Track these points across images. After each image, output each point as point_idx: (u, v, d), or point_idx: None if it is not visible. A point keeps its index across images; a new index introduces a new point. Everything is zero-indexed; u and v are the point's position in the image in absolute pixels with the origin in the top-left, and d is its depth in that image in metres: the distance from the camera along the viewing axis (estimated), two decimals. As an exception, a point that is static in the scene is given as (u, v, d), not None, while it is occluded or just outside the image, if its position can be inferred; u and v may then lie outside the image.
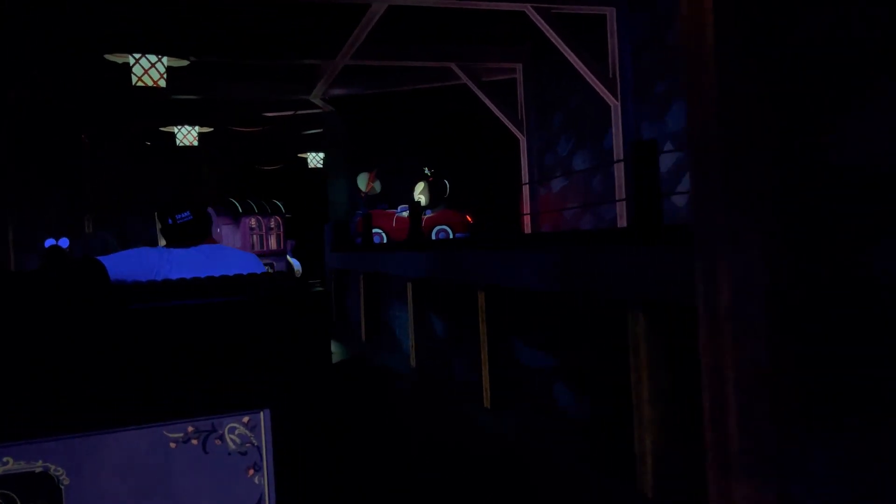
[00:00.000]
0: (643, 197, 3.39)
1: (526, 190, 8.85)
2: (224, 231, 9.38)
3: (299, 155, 13.88)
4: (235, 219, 9.82)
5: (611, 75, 6.89)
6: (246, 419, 1.40)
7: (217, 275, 1.63)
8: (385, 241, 9.85)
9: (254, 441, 1.41)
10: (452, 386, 5.36)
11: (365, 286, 7.88)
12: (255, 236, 9.87)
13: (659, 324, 2.53)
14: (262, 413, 1.41)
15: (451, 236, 9.61)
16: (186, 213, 2.44)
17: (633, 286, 2.52)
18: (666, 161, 6.54)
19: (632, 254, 2.52)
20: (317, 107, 10.44)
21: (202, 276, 1.60)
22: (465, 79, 8.68)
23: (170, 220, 2.44)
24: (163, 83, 6.73)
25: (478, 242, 4.60)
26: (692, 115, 0.88)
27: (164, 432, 1.35)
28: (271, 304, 1.52)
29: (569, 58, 6.90)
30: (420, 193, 10.39)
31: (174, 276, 2.04)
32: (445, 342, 5.79)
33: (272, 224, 10.15)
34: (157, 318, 1.42)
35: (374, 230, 9.71)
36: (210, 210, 2.58)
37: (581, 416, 3.37)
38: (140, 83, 6.65)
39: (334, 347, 7.96)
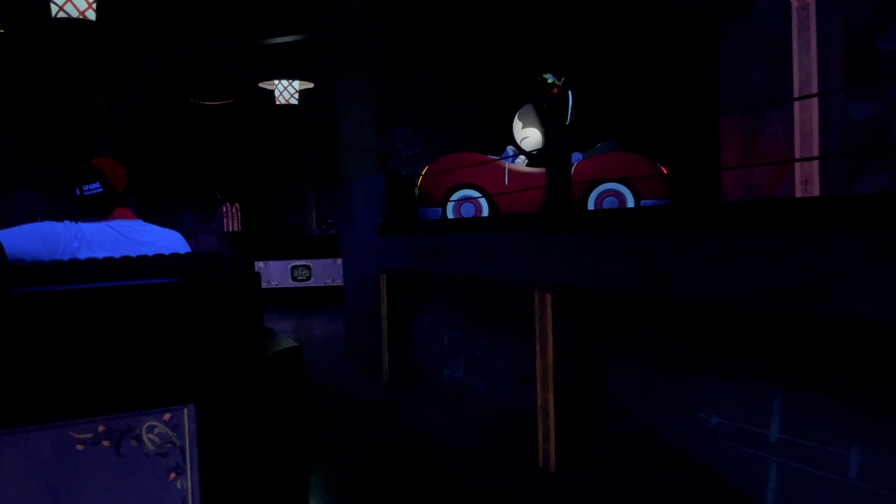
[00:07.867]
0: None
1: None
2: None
3: (261, 85, 9.05)
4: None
5: None
6: (167, 416, 1.25)
7: (134, 255, 1.46)
8: (483, 213, 5.32)
9: (176, 441, 1.25)
10: None
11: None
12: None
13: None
14: (185, 409, 1.26)
15: (630, 203, 5.13)
16: (95, 185, 2.17)
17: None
18: None
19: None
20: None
21: (117, 255, 1.45)
22: None
23: (77, 191, 2.18)
24: None
25: None
26: None
27: (70, 433, 1.18)
28: (195, 288, 1.35)
29: None
30: (523, 127, 5.81)
31: (83, 255, 1.97)
32: None
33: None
34: (62, 303, 1.23)
35: (456, 194, 5.18)
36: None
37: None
38: None
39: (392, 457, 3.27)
